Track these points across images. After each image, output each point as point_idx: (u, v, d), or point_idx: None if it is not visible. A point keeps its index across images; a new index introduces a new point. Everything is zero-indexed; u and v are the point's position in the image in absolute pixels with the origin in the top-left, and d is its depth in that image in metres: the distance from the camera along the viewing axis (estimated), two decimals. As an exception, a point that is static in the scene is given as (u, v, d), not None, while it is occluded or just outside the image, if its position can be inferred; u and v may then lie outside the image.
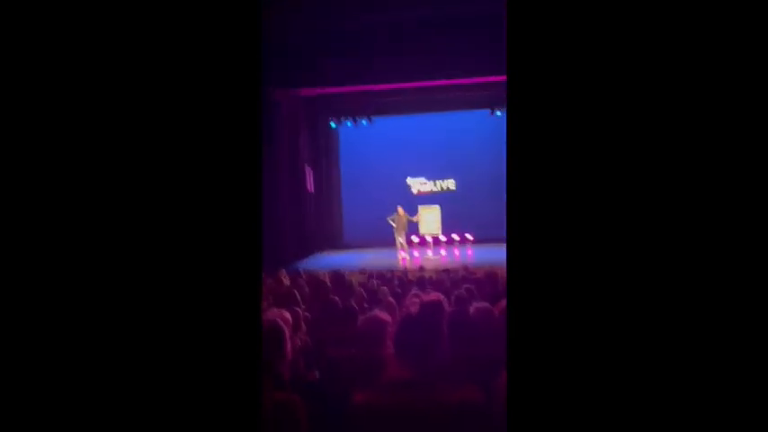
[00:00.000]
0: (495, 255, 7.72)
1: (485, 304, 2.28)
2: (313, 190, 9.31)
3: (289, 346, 1.18)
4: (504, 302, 2.63)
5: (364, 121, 9.75)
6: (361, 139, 10.13)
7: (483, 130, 9.94)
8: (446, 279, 4.56)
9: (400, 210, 8.34)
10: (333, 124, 9.91)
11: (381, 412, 0.84)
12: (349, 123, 9.81)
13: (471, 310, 2.05)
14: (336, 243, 9.98)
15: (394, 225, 8.30)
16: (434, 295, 0.98)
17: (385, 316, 1.63)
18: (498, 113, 9.56)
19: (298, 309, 2.37)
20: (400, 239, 8.25)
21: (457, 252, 8.57)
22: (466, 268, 5.37)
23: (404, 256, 8.03)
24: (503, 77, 8.25)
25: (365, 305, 3.02)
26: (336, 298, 2.58)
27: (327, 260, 7.86)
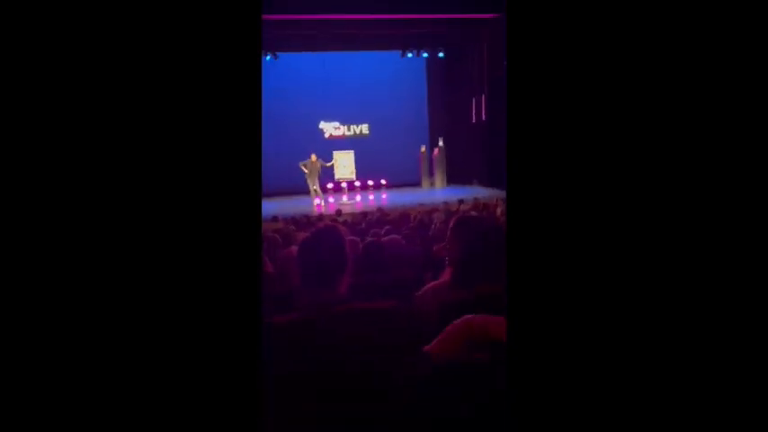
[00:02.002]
0: (408, 198, 8.04)
1: (396, 236, 2.48)
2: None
3: None
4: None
5: (268, 57, 8.87)
6: (265, 77, 9.22)
7: (395, 72, 9.81)
8: (362, 221, 4.63)
9: (313, 156, 8.06)
10: (232, 59, 8.84)
11: (299, 327, 0.82)
12: (251, 59, 8.83)
13: (384, 240, 2.20)
14: (245, 192, 9.38)
15: (306, 171, 8.04)
16: (330, 224, 0.94)
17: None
18: (410, 55, 9.46)
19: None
20: (314, 186, 8.05)
21: (372, 197, 8.70)
22: (381, 210, 5.48)
23: (318, 203, 7.90)
24: (415, 15, 8.07)
25: (280, 250, 2.93)
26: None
27: (236, 210, 7.36)
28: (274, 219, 5.49)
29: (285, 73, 9.31)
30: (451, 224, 1.02)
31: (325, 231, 0.91)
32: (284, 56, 9.00)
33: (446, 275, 0.98)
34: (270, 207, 7.25)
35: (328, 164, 8.53)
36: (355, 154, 9.27)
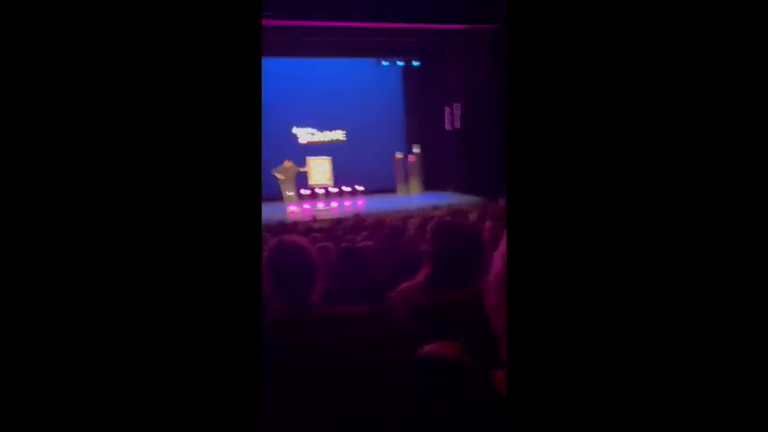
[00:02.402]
0: (384, 204, 8.06)
1: (369, 242, 2.47)
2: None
3: None
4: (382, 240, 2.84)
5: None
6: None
7: (370, 79, 9.87)
8: (338, 227, 4.59)
9: (286, 162, 7.96)
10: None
11: (268, 329, 0.79)
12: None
13: (359, 246, 2.20)
14: (217, 199, 9.12)
15: (281, 178, 7.92)
16: (294, 237, 0.94)
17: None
18: (385, 63, 9.55)
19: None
20: (289, 192, 7.94)
21: (348, 203, 8.66)
22: (357, 216, 5.47)
23: (293, 210, 7.79)
24: (389, 24, 8.20)
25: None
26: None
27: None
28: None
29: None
30: (431, 225, 1.03)
31: (285, 245, 0.89)
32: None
33: (419, 277, 0.98)
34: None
35: (302, 169, 8.44)
36: (332, 160, 9.20)
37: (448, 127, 9.57)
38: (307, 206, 8.20)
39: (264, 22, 7.23)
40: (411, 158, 9.62)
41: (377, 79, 9.92)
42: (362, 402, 0.74)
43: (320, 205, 8.35)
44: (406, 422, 0.73)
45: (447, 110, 9.54)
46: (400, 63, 9.74)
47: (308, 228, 4.81)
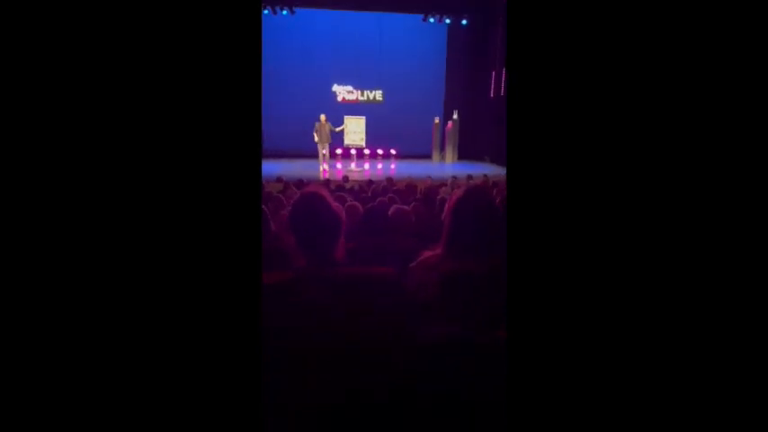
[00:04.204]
0: (417, 169, 7.96)
1: (403, 207, 2.44)
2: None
3: None
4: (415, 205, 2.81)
5: (285, 11, 8.56)
6: (280, 32, 8.94)
7: (414, 37, 9.45)
8: (368, 189, 4.61)
9: (323, 118, 7.87)
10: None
11: (288, 289, 0.82)
12: (266, 11, 8.52)
13: (391, 210, 2.17)
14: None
15: (317, 136, 7.91)
16: (312, 187, 0.93)
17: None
18: (432, 20, 9.07)
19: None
20: (323, 151, 7.96)
21: (380, 165, 8.62)
22: (389, 180, 5.44)
23: (325, 168, 7.84)
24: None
25: (282, 212, 2.93)
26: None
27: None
28: (278, 180, 5.47)
29: (301, 30, 8.99)
30: (453, 198, 1.01)
31: (310, 196, 0.89)
32: (301, 11, 8.67)
33: (438, 248, 0.98)
34: (276, 168, 7.21)
35: (338, 129, 8.37)
36: (367, 120, 9.07)
37: (492, 94, 9.12)
38: (339, 166, 8.23)
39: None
40: (449, 125, 9.33)
41: (421, 37, 9.46)
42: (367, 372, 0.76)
43: (353, 166, 8.35)
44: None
45: (493, 75, 9.05)
46: (447, 20, 9.20)
47: (338, 186, 4.86)
